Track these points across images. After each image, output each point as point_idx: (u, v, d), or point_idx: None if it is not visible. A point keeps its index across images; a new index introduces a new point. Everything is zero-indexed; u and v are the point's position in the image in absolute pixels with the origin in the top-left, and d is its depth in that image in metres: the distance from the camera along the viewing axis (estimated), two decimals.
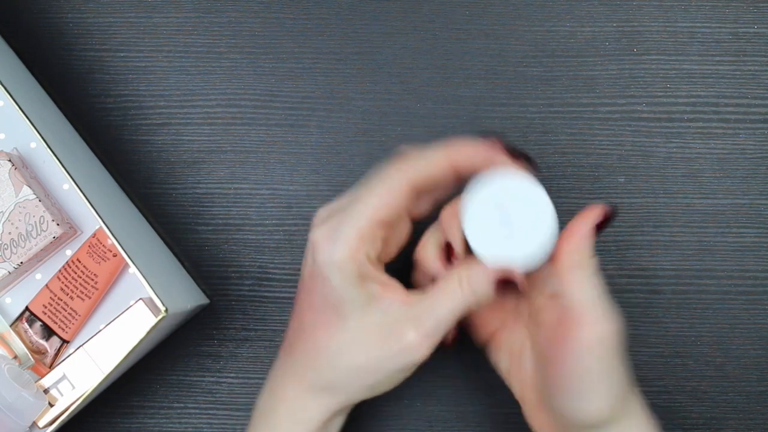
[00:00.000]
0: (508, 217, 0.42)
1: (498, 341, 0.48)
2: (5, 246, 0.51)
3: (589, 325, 0.41)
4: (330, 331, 0.43)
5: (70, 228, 0.53)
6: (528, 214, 0.42)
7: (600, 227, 0.42)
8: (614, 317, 0.41)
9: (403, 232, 0.46)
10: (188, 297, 0.51)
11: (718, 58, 0.56)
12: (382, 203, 0.42)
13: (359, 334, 0.42)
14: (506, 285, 0.42)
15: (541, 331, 0.44)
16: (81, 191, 0.45)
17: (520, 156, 0.43)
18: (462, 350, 0.55)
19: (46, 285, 0.53)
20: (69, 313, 0.52)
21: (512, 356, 0.47)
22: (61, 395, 0.51)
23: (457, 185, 0.44)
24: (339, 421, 0.46)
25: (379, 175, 0.43)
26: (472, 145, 0.43)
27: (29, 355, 0.52)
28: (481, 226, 0.42)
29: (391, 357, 0.42)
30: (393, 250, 0.46)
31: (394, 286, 0.43)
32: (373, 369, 0.43)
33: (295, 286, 0.55)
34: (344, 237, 0.41)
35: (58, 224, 0.51)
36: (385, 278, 0.44)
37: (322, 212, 0.45)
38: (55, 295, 0.52)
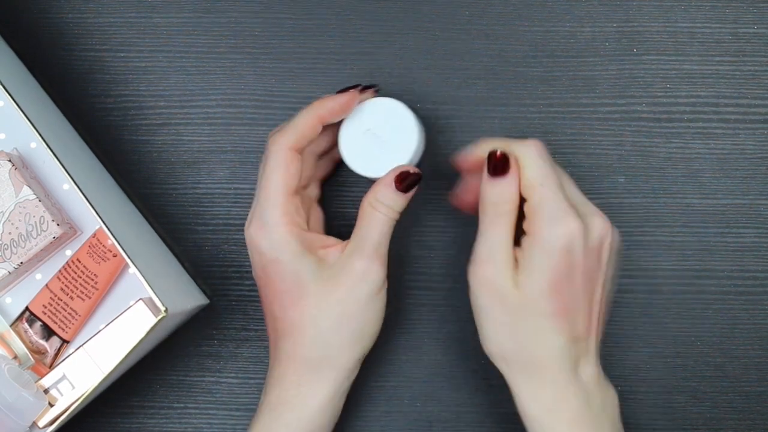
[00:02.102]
0: (377, 135, 0.49)
1: None
2: (5, 246, 0.51)
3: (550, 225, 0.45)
4: (299, 306, 0.47)
5: (70, 228, 0.53)
6: (393, 127, 0.49)
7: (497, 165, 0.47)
8: (575, 219, 0.45)
9: (316, 195, 0.52)
10: (188, 297, 0.51)
11: (718, 58, 0.56)
12: (282, 176, 0.47)
13: (323, 293, 0.47)
14: (408, 185, 0.47)
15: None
16: (81, 191, 0.45)
17: (371, 87, 0.51)
18: (462, 351, 0.55)
19: (46, 285, 0.53)
20: (69, 313, 0.52)
21: None
22: (61, 395, 0.51)
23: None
24: (340, 402, 0.49)
25: (266, 158, 0.48)
26: (329, 98, 0.49)
27: (29, 355, 0.52)
28: (356, 150, 0.49)
29: (355, 290, 0.47)
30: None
31: (334, 241, 0.49)
32: (350, 310, 0.47)
33: None
34: (272, 219, 0.47)
35: (58, 224, 0.51)
36: (324, 238, 0.49)
37: (247, 224, 0.49)
38: (55, 295, 0.52)
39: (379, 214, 0.47)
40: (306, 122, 0.48)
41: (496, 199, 0.46)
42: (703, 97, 0.56)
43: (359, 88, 0.50)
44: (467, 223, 0.55)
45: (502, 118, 0.56)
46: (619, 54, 0.56)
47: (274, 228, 0.47)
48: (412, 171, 0.48)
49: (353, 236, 0.48)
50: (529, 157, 0.46)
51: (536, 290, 0.45)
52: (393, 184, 0.47)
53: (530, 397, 0.46)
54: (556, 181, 0.46)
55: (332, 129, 0.50)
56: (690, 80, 0.56)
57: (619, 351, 0.55)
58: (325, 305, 0.46)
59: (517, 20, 0.56)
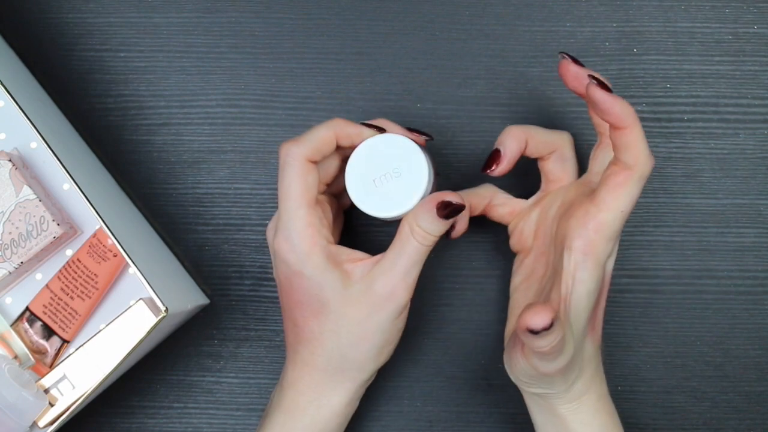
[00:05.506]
0: (385, 173, 0.46)
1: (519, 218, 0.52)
2: (6, 246, 0.51)
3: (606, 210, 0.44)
4: (320, 319, 0.46)
5: (70, 228, 0.53)
6: (402, 163, 0.46)
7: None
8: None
9: (334, 209, 0.51)
10: (188, 297, 0.51)
11: (718, 58, 0.56)
12: (300, 188, 0.46)
13: (344, 312, 0.46)
14: (449, 213, 0.45)
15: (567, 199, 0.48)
16: (81, 191, 0.45)
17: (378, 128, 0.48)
18: (462, 352, 0.55)
19: (47, 285, 0.53)
20: (69, 313, 0.52)
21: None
22: (62, 395, 0.51)
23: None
24: (355, 404, 0.50)
25: (282, 169, 0.46)
26: (350, 124, 0.47)
27: (29, 354, 0.52)
28: (364, 189, 0.46)
29: (378, 311, 0.46)
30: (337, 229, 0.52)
31: (361, 256, 0.47)
32: (371, 330, 0.46)
33: None
34: (296, 230, 0.46)
35: (58, 224, 0.51)
36: (351, 252, 0.47)
37: (269, 230, 0.49)
38: (56, 295, 0.52)
39: (414, 241, 0.45)
40: (323, 135, 0.46)
41: None
42: (703, 97, 0.56)
43: (378, 128, 0.48)
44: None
45: (502, 118, 0.56)
46: (619, 54, 0.56)
47: (300, 241, 0.45)
48: (454, 201, 0.45)
49: (386, 255, 0.46)
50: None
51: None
52: (434, 210, 0.45)
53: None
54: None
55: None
56: (690, 80, 0.56)
57: (619, 351, 0.55)
58: (346, 323, 0.46)
59: (517, 20, 0.56)
